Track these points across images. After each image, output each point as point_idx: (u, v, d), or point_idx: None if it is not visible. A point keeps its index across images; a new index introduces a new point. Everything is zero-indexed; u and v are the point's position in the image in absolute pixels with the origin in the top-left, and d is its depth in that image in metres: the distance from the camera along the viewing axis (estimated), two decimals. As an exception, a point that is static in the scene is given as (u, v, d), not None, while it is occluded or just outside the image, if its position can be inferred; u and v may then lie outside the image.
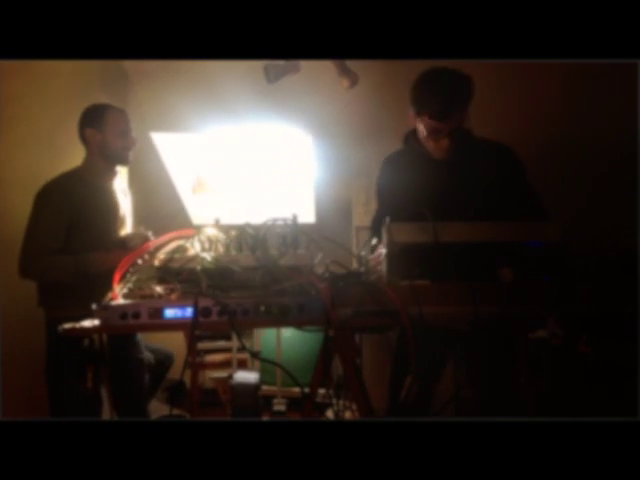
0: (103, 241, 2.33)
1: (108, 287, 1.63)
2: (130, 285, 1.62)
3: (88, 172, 2.40)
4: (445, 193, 2.04)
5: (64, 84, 3.15)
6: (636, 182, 2.38)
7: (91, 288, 1.84)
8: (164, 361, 2.70)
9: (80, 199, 2.30)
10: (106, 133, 2.36)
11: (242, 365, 3.75)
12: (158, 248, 1.71)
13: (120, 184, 2.57)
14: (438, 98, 1.95)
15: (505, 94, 3.48)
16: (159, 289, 1.58)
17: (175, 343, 2.63)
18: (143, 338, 2.49)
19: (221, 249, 1.67)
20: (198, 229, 1.72)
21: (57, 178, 2.37)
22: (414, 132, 2.17)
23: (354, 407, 1.80)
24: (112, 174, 2.45)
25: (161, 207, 3.42)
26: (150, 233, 2.33)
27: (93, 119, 2.38)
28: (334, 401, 1.96)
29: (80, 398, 2.25)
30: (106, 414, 2.33)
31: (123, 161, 2.43)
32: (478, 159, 2.10)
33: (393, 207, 2.17)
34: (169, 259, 1.62)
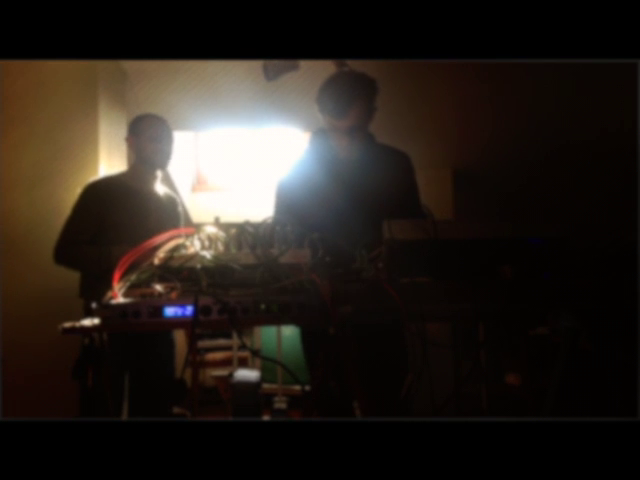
0: (132, 240, 2.39)
1: None
2: (129, 283, 1.62)
3: (128, 176, 2.58)
4: (346, 191, 2.13)
5: (64, 84, 3.15)
6: (636, 179, 2.38)
7: None
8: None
9: (110, 200, 2.47)
10: (140, 138, 2.54)
11: (243, 363, 3.75)
12: (158, 247, 1.71)
13: (164, 190, 2.68)
14: (334, 97, 2.09)
15: (505, 94, 3.48)
16: (159, 287, 1.58)
17: (175, 341, 2.63)
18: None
19: (221, 247, 1.67)
20: (198, 227, 1.72)
21: (98, 179, 2.59)
22: (320, 132, 2.24)
23: (354, 405, 1.80)
24: (151, 178, 2.59)
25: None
26: None
27: (132, 127, 2.58)
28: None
29: (118, 392, 2.35)
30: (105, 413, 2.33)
31: (157, 165, 2.57)
32: (380, 161, 2.22)
33: (294, 206, 2.17)
34: (169, 257, 1.62)
